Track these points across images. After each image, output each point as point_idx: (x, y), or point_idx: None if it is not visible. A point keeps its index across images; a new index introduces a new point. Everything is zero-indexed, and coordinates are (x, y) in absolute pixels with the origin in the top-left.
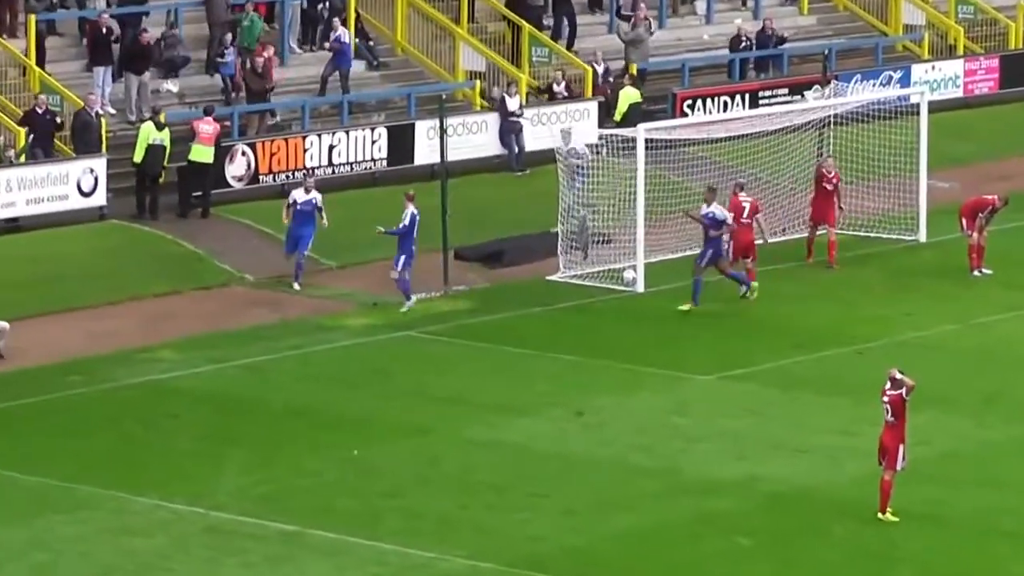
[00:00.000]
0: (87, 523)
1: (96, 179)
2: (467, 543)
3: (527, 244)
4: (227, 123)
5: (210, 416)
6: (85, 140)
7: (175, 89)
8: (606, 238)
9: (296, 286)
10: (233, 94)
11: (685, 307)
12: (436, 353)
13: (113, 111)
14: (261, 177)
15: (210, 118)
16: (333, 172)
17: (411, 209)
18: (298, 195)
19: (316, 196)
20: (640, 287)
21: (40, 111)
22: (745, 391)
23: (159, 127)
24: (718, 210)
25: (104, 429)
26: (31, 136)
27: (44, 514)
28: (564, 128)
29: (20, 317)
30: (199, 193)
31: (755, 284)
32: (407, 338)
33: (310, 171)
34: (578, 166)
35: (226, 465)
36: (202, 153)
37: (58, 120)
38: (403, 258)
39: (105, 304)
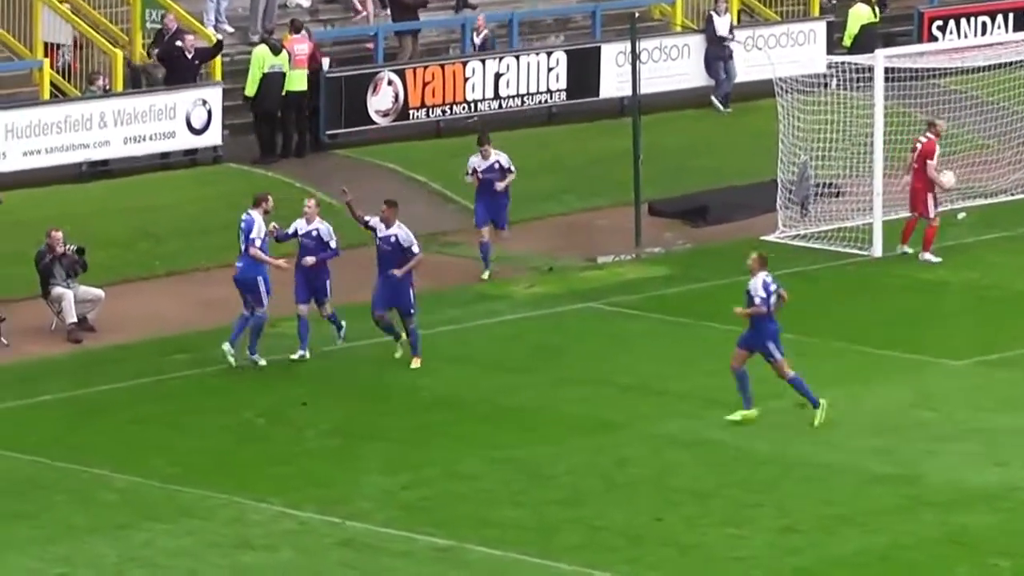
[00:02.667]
0: (195, 534)
1: (209, 113)
2: (662, 563)
3: (737, 197)
4: (369, 46)
5: (345, 405)
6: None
7: (306, 4)
8: (836, 190)
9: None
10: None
11: (400, 354)
12: (624, 330)
13: (231, 29)
14: (412, 112)
15: (301, 35)
16: (500, 107)
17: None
18: (299, 225)
19: (320, 227)
20: (878, 250)
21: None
22: (1007, 380)
23: (275, 51)
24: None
25: (216, 420)
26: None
27: (142, 523)
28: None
29: (115, 282)
30: (335, 132)
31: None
32: (588, 311)
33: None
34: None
35: (365, 465)
36: (297, 80)
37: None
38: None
39: (217, 267)
